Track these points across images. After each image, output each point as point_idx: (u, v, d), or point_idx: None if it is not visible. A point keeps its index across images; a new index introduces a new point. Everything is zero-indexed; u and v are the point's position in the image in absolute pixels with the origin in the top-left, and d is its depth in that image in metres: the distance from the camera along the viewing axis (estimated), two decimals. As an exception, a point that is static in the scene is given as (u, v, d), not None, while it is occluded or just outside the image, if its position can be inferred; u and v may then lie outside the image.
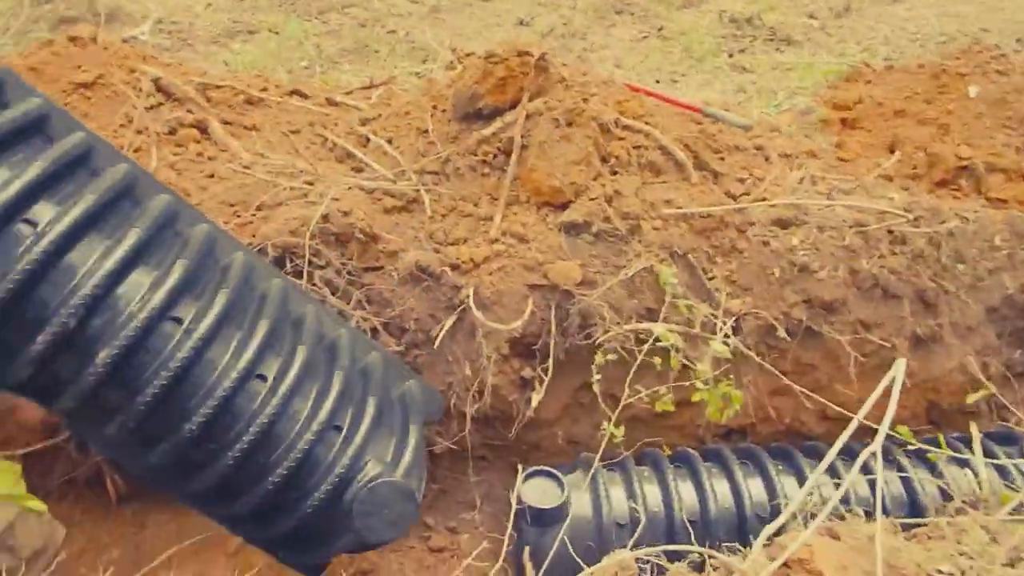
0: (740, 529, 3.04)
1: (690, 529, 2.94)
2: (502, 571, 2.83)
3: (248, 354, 2.34)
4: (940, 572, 1.82)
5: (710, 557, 1.95)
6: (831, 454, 2.17)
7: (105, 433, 2.29)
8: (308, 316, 2.70)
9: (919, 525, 2.30)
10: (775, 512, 3.07)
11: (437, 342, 3.12)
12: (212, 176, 3.31)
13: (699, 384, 2.45)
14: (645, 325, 3.14)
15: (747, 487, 3.11)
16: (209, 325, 2.30)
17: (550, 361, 3.20)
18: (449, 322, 3.14)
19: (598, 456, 2.98)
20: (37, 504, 2.41)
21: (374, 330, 3.12)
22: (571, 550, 2.70)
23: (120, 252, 2.24)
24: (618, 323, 3.13)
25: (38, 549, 2.36)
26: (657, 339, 3.23)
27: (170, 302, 2.28)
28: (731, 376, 3.21)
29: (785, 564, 1.60)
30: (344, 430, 2.47)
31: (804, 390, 3.45)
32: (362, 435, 2.47)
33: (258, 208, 3.14)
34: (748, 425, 3.63)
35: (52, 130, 2.37)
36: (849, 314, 3.35)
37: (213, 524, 3.31)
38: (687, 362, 3.11)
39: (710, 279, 3.30)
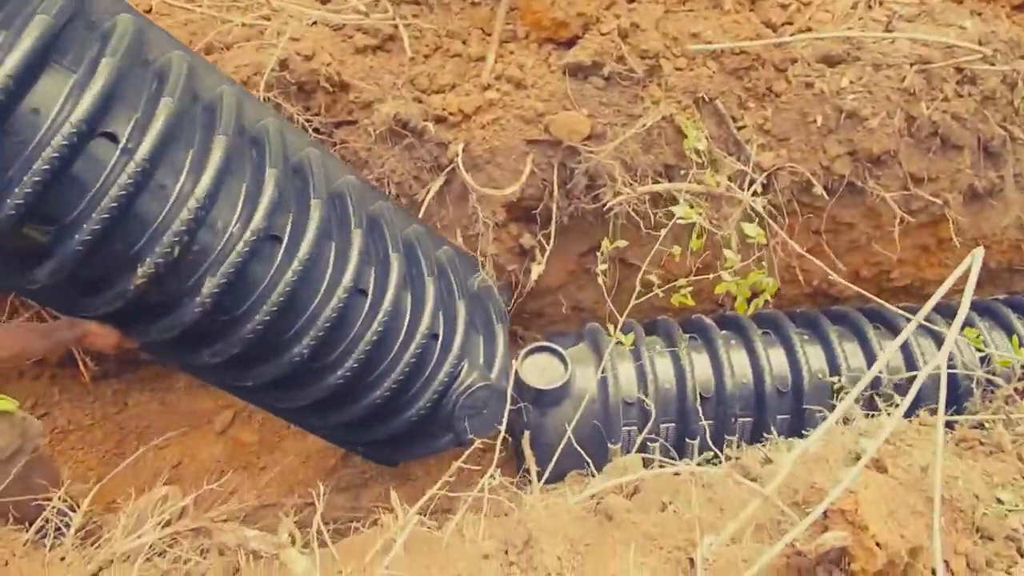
0: (758, 404, 2.81)
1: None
2: (502, 455, 2.65)
3: (350, 269, 2.21)
4: (1000, 503, 1.56)
5: (736, 481, 1.69)
6: (899, 340, 1.81)
7: (202, 360, 2.18)
8: (385, 215, 2.53)
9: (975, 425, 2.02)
10: (797, 386, 2.83)
11: (423, 208, 2.73)
12: (149, 12, 2.77)
13: (725, 275, 2.09)
14: (663, 186, 2.72)
15: (767, 359, 2.83)
16: (310, 243, 2.11)
17: (552, 228, 2.82)
18: (436, 185, 2.74)
19: (616, 332, 2.67)
20: (6, 404, 2.19)
21: (352, 194, 2.73)
22: (574, 436, 2.48)
23: (212, 167, 1.94)
24: (631, 184, 2.71)
25: (14, 449, 2.18)
26: (674, 200, 2.84)
27: (270, 221, 2.04)
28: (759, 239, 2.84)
29: (825, 514, 1.33)
30: (441, 337, 2.49)
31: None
32: (458, 341, 2.51)
33: (205, 52, 2.64)
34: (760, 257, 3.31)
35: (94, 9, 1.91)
36: (899, 167, 2.90)
37: (197, 403, 3.17)
38: (712, 227, 2.73)
39: (740, 128, 2.83)
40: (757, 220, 2.07)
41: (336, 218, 2.34)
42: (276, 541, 1.78)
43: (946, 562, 1.45)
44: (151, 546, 2.07)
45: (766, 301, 2.69)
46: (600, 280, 2.42)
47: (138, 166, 1.81)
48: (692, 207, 2.55)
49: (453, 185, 2.78)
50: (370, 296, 2.30)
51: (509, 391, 2.47)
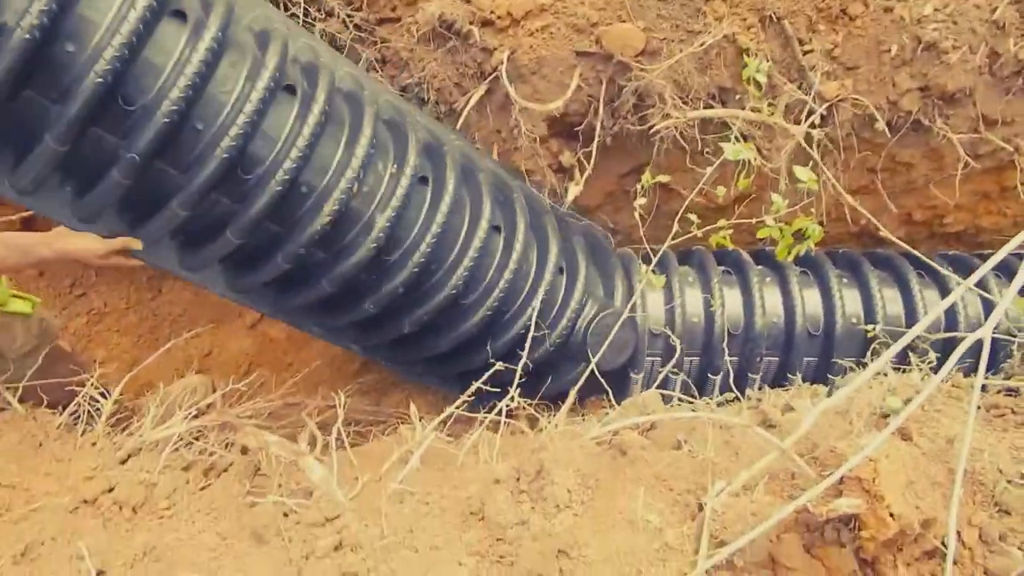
0: (787, 344, 2.75)
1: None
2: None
3: (486, 208, 2.35)
4: (1025, 480, 1.52)
5: (755, 433, 1.67)
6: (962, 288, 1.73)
7: (363, 311, 2.33)
8: (491, 164, 2.68)
9: (1010, 391, 1.95)
10: (828, 330, 2.76)
11: (462, 118, 2.64)
12: None
13: (769, 220, 1.99)
14: (715, 112, 2.58)
15: (801, 299, 2.75)
16: (453, 184, 2.27)
17: (594, 147, 2.71)
18: (478, 94, 2.63)
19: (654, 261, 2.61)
20: (23, 305, 2.23)
21: (389, 97, 2.64)
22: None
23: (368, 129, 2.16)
24: (681, 107, 2.57)
25: (30, 348, 2.24)
26: (725, 126, 2.70)
27: (420, 162, 2.26)
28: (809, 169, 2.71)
29: (841, 479, 1.30)
30: (566, 271, 2.62)
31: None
32: (582, 273, 2.61)
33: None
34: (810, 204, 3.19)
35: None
36: (973, 108, 2.70)
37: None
38: (762, 161, 2.60)
39: (806, 53, 2.64)
40: (811, 163, 1.94)
41: (464, 167, 2.45)
42: (295, 448, 1.82)
43: (958, 533, 1.43)
44: (179, 436, 2.16)
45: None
46: (637, 215, 2.33)
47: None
48: (744, 140, 2.41)
49: (495, 95, 2.67)
50: (503, 233, 2.43)
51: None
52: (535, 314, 2.42)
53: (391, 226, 2.15)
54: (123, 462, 2.07)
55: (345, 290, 2.29)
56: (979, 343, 1.47)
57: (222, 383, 2.63)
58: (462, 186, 2.37)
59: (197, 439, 2.20)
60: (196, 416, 2.30)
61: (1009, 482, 1.47)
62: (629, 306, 2.59)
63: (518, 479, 1.71)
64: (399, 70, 2.61)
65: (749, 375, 2.68)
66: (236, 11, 2.04)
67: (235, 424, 2.36)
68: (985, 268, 1.65)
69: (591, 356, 2.45)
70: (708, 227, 2.13)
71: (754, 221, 2.12)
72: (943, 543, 1.40)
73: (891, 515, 1.28)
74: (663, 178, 2.27)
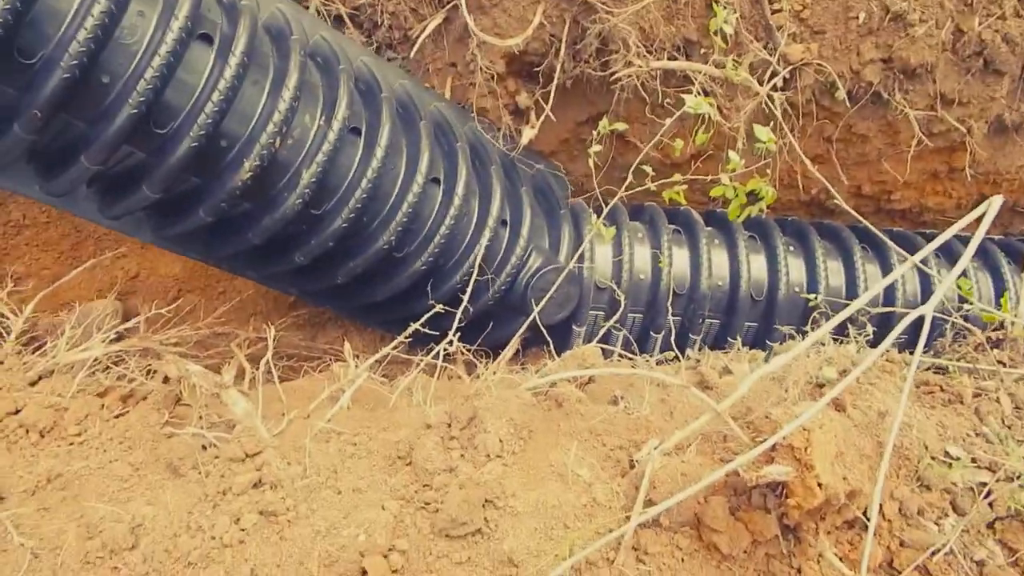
0: (730, 307, 2.76)
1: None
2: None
3: (424, 159, 2.27)
4: (948, 455, 1.55)
5: (692, 394, 1.66)
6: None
7: (293, 262, 2.28)
8: (444, 113, 2.59)
9: (939, 369, 1.99)
10: (771, 296, 2.78)
11: (416, 46, 2.50)
12: None
13: (724, 178, 1.95)
14: (679, 64, 2.51)
15: (747, 264, 2.75)
16: (386, 135, 2.18)
17: (552, 89, 2.62)
18: (435, 22, 2.49)
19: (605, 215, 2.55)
20: None
21: (337, 18, 2.49)
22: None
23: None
24: (646, 56, 2.49)
25: None
26: (687, 80, 2.64)
27: (351, 112, 2.15)
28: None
29: (773, 447, 1.30)
30: (509, 223, 2.56)
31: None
32: (526, 226, 2.55)
33: None
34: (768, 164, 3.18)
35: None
36: (932, 84, 2.70)
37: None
38: (722, 119, 2.55)
39: (775, 12, 2.58)
40: (772, 123, 1.90)
41: (402, 115, 2.38)
42: (218, 380, 1.73)
43: (880, 505, 1.45)
44: (96, 360, 2.04)
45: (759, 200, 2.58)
46: (591, 163, 2.26)
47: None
48: (706, 94, 2.35)
49: (453, 24, 2.54)
50: (443, 185, 2.37)
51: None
52: (475, 266, 2.37)
53: (317, 180, 2.07)
54: (33, 384, 1.95)
55: (274, 241, 2.22)
56: (918, 320, 1.47)
57: (148, 307, 2.50)
58: (399, 135, 2.29)
59: (116, 364, 2.08)
60: (116, 340, 2.18)
61: (933, 459, 1.50)
62: (575, 259, 2.54)
63: (450, 425, 1.66)
64: (354, -11, 2.45)
65: (691, 336, 2.69)
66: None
67: (157, 351, 2.25)
68: (931, 247, 1.65)
69: (532, 309, 2.40)
70: (663, 181, 2.07)
71: (708, 179, 2.08)
72: (864, 514, 1.42)
73: (819, 485, 1.28)
74: (620, 126, 2.20)
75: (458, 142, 2.47)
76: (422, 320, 2.09)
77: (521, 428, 1.64)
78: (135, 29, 1.80)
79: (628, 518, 1.42)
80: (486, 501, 1.46)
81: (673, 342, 2.70)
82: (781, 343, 2.72)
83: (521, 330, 2.31)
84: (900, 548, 1.46)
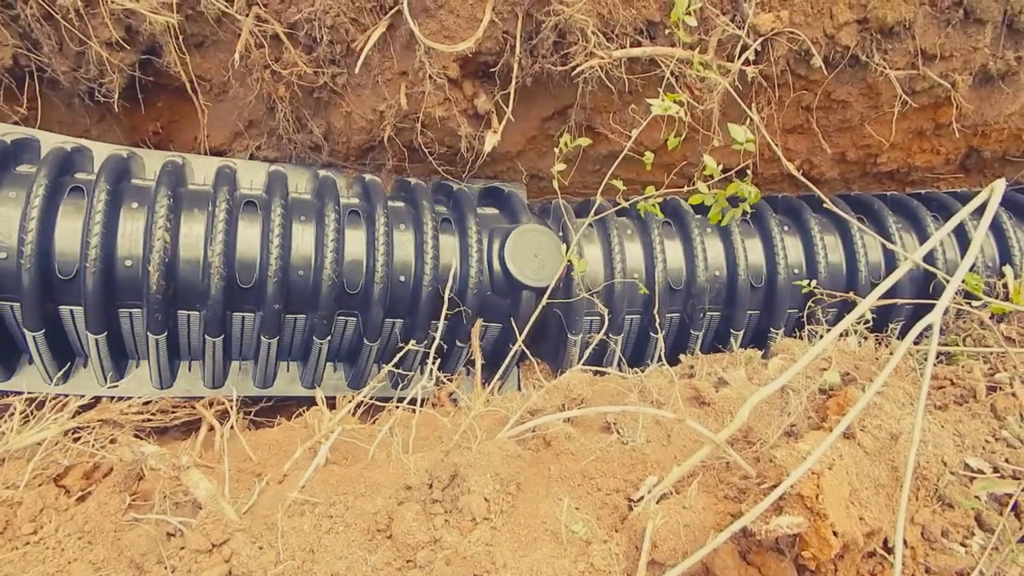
0: (730, 298, 2.61)
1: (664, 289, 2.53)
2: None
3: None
4: (968, 468, 1.43)
5: (689, 427, 1.54)
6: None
7: None
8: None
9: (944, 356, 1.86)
10: (771, 281, 2.64)
11: (361, 59, 2.33)
12: None
13: (701, 187, 1.80)
14: (643, 51, 2.35)
15: (744, 251, 2.60)
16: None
17: (512, 89, 2.45)
18: (378, 31, 2.32)
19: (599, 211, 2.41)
20: None
21: (275, 38, 2.31)
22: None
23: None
24: (607, 45, 2.32)
25: None
26: (654, 63, 2.48)
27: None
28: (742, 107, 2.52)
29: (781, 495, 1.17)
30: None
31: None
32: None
33: None
34: (750, 166, 3.04)
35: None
36: (912, 41, 2.54)
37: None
38: (693, 102, 2.40)
39: (739, -18, 2.41)
40: (747, 120, 1.74)
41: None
42: (176, 462, 1.60)
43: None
44: (53, 441, 1.90)
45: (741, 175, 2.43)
46: (555, 183, 2.11)
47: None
48: (675, 79, 2.20)
49: (398, 31, 2.36)
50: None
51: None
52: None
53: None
54: (-16, 475, 1.81)
55: None
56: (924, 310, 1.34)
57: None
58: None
59: (76, 440, 1.95)
60: (73, 415, 2.04)
61: (953, 474, 1.38)
62: (564, 265, 2.38)
63: (431, 486, 1.53)
64: (285, 5, 2.27)
65: (692, 331, 2.56)
66: None
67: (118, 421, 2.11)
68: (963, 214, 1.49)
69: (512, 272, 2.33)
70: (636, 178, 1.92)
71: (685, 190, 1.93)
72: (885, 546, 1.30)
73: (834, 533, 1.15)
74: (583, 142, 2.05)
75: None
76: (396, 359, 1.96)
77: (508, 482, 1.51)
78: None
79: (631, 582, 1.30)
80: (475, 577, 1.33)
81: (674, 340, 2.58)
82: (784, 328, 2.60)
83: (518, 345, 2.14)
84: (926, 575, 1.35)
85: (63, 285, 2.11)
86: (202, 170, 2.52)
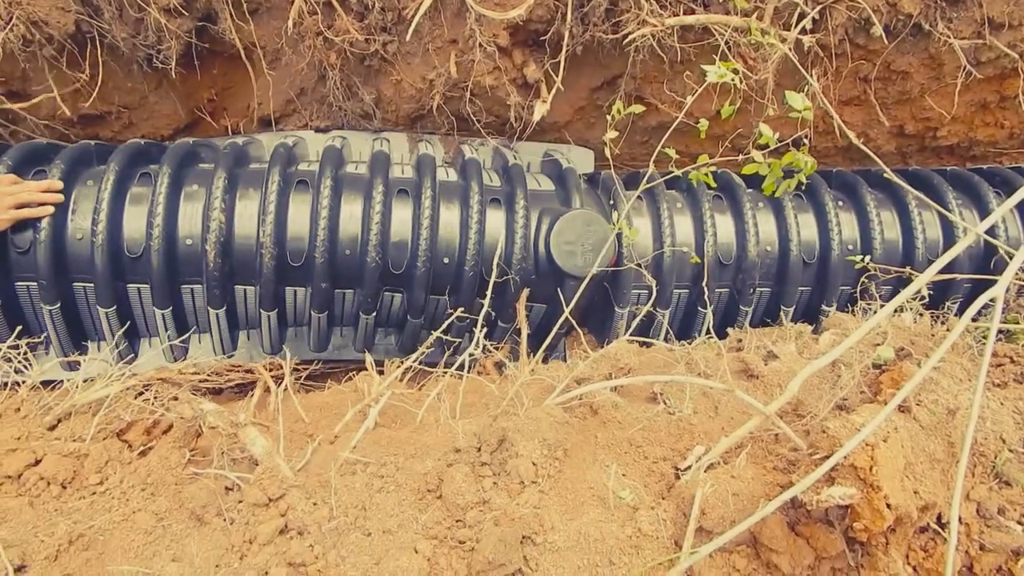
0: (780, 274, 2.56)
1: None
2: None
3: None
4: (1027, 448, 1.40)
5: (738, 398, 1.54)
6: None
7: None
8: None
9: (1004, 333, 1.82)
10: (823, 258, 2.58)
11: (412, 27, 2.33)
12: None
13: (756, 155, 1.77)
14: (696, 18, 2.30)
15: (796, 226, 2.53)
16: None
17: (562, 58, 2.43)
18: (428, 0, 2.31)
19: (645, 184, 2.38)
20: None
21: (327, 5, 2.32)
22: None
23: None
24: (659, 13, 2.29)
25: None
26: (707, 32, 2.43)
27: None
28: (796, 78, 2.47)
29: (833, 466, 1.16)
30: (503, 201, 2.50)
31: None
32: (521, 198, 2.42)
33: None
34: (803, 135, 2.96)
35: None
36: (978, 9, 2.44)
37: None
38: (747, 71, 2.36)
39: (798, -53, 2.34)
40: (805, 86, 1.69)
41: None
42: (234, 419, 1.65)
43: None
44: (115, 397, 1.98)
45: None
46: (607, 151, 2.09)
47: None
48: (729, 49, 2.15)
49: (449, 1, 2.36)
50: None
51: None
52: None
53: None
54: (52, 428, 1.89)
55: None
56: (982, 287, 1.30)
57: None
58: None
59: (137, 397, 2.02)
60: (133, 375, 2.12)
61: (1012, 452, 1.35)
62: (613, 235, 2.36)
63: (479, 449, 1.56)
64: (339, -28, 2.28)
65: (741, 307, 2.53)
66: None
67: (177, 380, 2.18)
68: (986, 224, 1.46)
69: (562, 265, 2.29)
70: (685, 150, 1.90)
71: (740, 158, 1.90)
72: (939, 522, 1.29)
73: (888, 506, 1.15)
74: (636, 109, 2.01)
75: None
76: (442, 328, 1.98)
77: (555, 447, 1.53)
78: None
79: (678, 547, 1.31)
80: (524, 537, 1.36)
81: (723, 316, 2.56)
82: (836, 305, 2.56)
83: (568, 309, 2.13)
84: (980, 552, 1.33)
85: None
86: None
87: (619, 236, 2.39)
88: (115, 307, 2.27)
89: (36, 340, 2.29)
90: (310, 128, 2.74)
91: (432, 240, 2.30)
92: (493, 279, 2.11)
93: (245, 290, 2.36)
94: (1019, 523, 1.34)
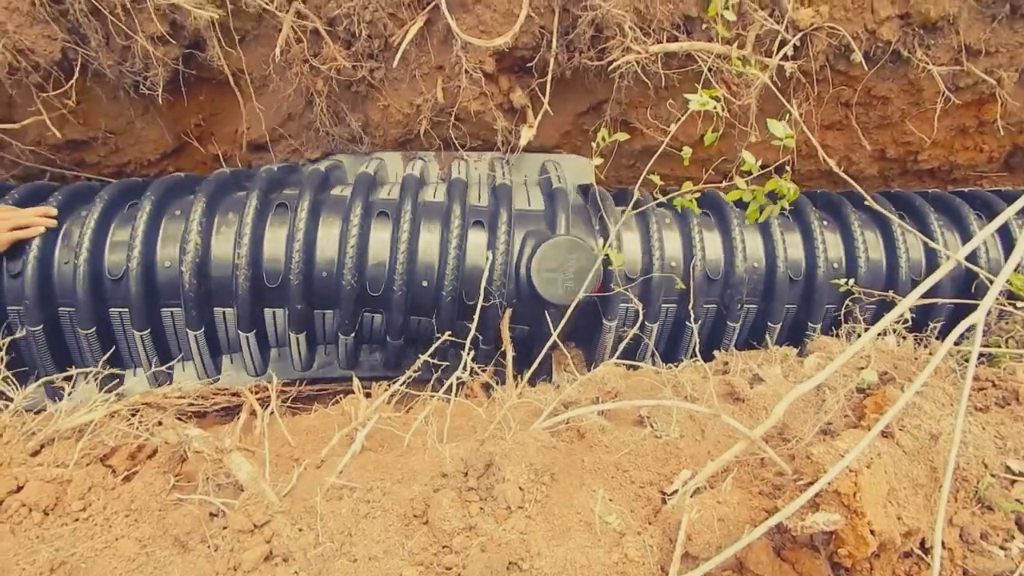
0: (767, 291, 2.57)
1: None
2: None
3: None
4: (1010, 471, 1.42)
5: (724, 422, 1.54)
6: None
7: None
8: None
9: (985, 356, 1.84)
10: (809, 276, 2.60)
11: (399, 54, 2.36)
12: None
13: (739, 182, 1.79)
14: (680, 46, 2.34)
15: (783, 244, 2.55)
16: None
17: (548, 83, 2.46)
18: (415, 27, 2.34)
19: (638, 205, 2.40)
20: None
21: (315, 33, 2.35)
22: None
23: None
24: (643, 40, 2.32)
25: None
26: (690, 58, 2.47)
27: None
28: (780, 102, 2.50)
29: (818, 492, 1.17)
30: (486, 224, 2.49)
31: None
32: (504, 220, 2.43)
33: None
34: (786, 162, 3.00)
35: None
36: (955, 36, 2.50)
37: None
38: (730, 97, 2.40)
39: (779, -23, 2.39)
40: (786, 115, 1.72)
41: None
42: (219, 445, 1.64)
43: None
44: (98, 422, 1.96)
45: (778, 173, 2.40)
46: (593, 181, 2.12)
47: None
48: (712, 74, 2.19)
49: (436, 26, 2.39)
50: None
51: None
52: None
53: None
54: (35, 454, 1.87)
55: None
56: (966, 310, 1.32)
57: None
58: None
59: (122, 421, 2.01)
60: (119, 399, 2.10)
61: (994, 476, 1.37)
62: (604, 248, 2.35)
63: (466, 474, 1.56)
64: (324, 1, 2.30)
65: (728, 323, 2.54)
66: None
67: (162, 404, 2.17)
68: (1009, 212, 1.47)
69: (542, 293, 2.27)
70: (671, 173, 1.92)
71: (723, 184, 1.92)
72: (922, 547, 1.30)
73: (871, 532, 1.15)
74: (621, 136, 2.04)
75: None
76: (428, 353, 1.98)
77: (542, 472, 1.53)
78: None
79: (665, 573, 1.31)
80: (510, 563, 1.35)
81: (710, 332, 2.57)
82: (821, 325, 2.58)
83: (553, 337, 2.13)
84: (964, 577, 1.34)
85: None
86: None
87: (606, 257, 2.40)
88: (95, 329, 2.27)
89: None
90: (303, 158, 2.76)
91: (409, 263, 2.30)
92: (479, 303, 2.11)
93: (224, 312, 2.36)
94: (1002, 548, 1.35)
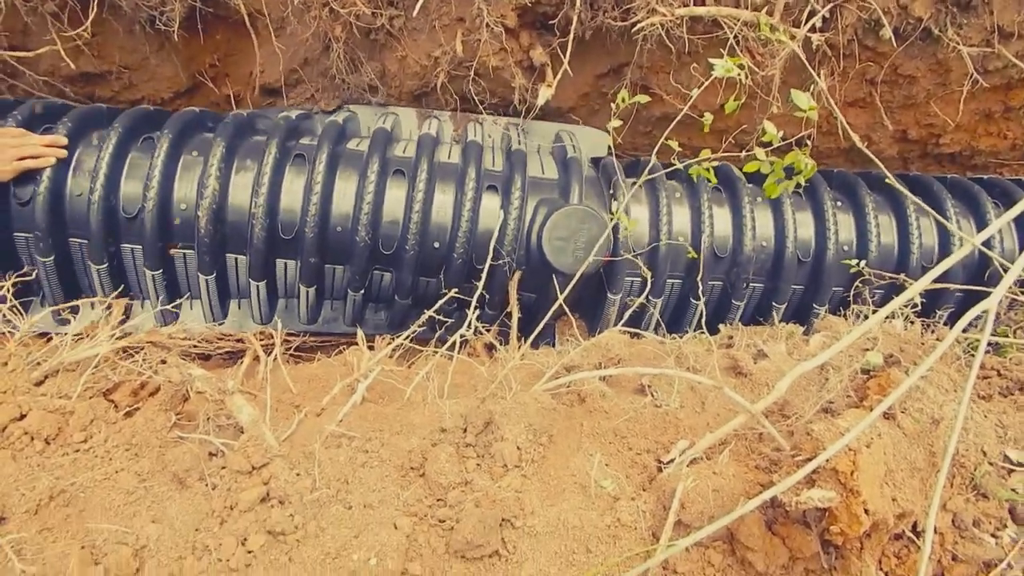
0: (775, 270, 2.55)
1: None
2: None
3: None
4: (1008, 461, 1.42)
5: (726, 395, 1.54)
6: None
7: None
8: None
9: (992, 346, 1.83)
10: (818, 257, 2.58)
11: (419, 3, 2.31)
12: None
13: (759, 153, 1.76)
14: (706, 10, 2.28)
15: (793, 223, 2.52)
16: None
17: (569, 42, 2.41)
18: (438, -25, 2.29)
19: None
20: None
21: (336, -23, 2.30)
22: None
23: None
24: (669, 2, 2.27)
25: None
26: (716, 24, 2.42)
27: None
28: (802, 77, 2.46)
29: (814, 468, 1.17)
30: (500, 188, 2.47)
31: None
32: (518, 185, 2.40)
33: None
34: (807, 136, 2.95)
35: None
36: (989, 17, 2.43)
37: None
38: (754, 67, 2.35)
39: (814, -55, 2.32)
40: (811, 86, 1.68)
41: None
42: (221, 386, 1.65)
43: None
44: (103, 357, 1.98)
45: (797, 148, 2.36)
46: (609, 144, 2.08)
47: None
48: (737, 42, 2.14)
49: (459, -23, 2.33)
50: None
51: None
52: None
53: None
54: (39, 384, 1.89)
55: None
56: (975, 298, 1.31)
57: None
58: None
59: (123, 360, 2.02)
60: (124, 336, 2.11)
61: (991, 464, 1.37)
62: (618, 212, 2.33)
63: (465, 430, 1.57)
64: (348, -57, 2.25)
65: (733, 301, 2.52)
66: None
67: (166, 344, 2.18)
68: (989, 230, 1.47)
69: (552, 261, 2.26)
70: (688, 143, 1.89)
71: (743, 154, 1.89)
72: (914, 530, 1.30)
73: (866, 511, 1.16)
74: (642, 98, 2.00)
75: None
76: (435, 308, 1.98)
77: (540, 433, 1.53)
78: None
79: (656, 539, 1.32)
80: (503, 520, 1.37)
81: (714, 309, 2.55)
82: (828, 306, 2.56)
83: (558, 303, 2.12)
84: (952, 563, 1.35)
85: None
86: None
87: (615, 226, 2.38)
88: (106, 265, 2.26)
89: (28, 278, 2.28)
90: (317, 106, 2.72)
91: (423, 223, 2.29)
92: (487, 267, 2.10)
93: (236, 259, 2.35)
94: (993, 536, 1.36)
